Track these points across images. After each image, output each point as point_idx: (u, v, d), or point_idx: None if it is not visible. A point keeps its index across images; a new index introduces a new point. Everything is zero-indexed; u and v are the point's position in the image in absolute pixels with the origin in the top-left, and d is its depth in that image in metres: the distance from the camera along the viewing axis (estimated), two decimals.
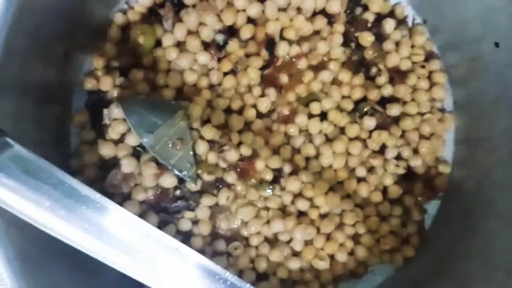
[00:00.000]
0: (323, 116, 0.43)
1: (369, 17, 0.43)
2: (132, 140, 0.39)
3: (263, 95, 0.42)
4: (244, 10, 0.41)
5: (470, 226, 0.40)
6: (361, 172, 0.42)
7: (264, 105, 0.42)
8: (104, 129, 0.40)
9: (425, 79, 0.43)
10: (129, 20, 0.41)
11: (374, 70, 0.43)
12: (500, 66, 0.38)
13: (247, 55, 0.42)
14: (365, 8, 0.43)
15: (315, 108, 0.42)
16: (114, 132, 0.39)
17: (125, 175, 0.39)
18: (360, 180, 0.43)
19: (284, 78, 0.42)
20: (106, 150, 0.39)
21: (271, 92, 0.42)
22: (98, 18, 0.40)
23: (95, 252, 0.24)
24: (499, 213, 0.37)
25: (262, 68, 0.42)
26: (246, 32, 0.41)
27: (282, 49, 0.42)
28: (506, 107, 0.38)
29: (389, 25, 0.42)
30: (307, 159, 0.42)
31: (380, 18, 0.43)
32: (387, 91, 0.43)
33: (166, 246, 0.25)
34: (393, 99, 0.43)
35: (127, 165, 0.38)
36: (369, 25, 0.43)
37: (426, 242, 0.43)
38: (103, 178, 0.39)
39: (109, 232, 0.24)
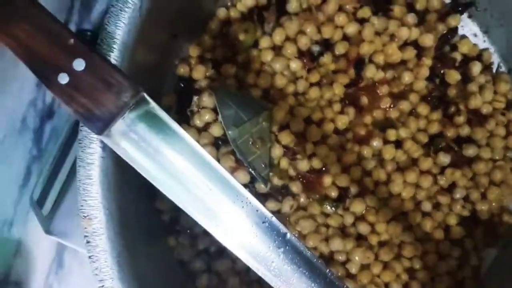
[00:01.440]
0: (398, 144, 0.43)
1: (457, 56, 0.44)
2: (216, 130, 0.40)
3: (342, 112, 0.43)
4: (342, 27, 0.42)
5: None
6: (427, 206, 0.42)
7: (342, 122, 0.42)
8: (190, 115, 0.41)
9: (503, 127, 0.43)
10: (230, 17, 0.42)
11: (453, 109, 0.44)
12: None
13: (335, 71, 0.43)
14: (453, 47, 0.45)
15: (391, 134, 0.43)
16: (200, 120, 0.40)
17: None
18: (424, 214, 0.43)
19: (364, 100, 0.43)
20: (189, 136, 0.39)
21: (351, 110, 0.43)
22: (204, 10, 0.42)
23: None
24: None
25: (346, 86, 0.43)
26: (341, 48, 0.42)
27: (370, 72, 0.43)
28: None
29: (476, 67, 0.44)
30: (376, 183, 0.43)
31: (466, 60, 0.44)
32: (465, 131, 0.43)
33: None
34: (468, 141, 0.43)
35: (208, 153, 0.39)
36: (456, 64, 0.44)
37: None
38: None
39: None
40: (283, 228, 0.26)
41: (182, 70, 0.42)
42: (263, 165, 0.40)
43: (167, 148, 0.25)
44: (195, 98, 0.41)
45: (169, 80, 0.42)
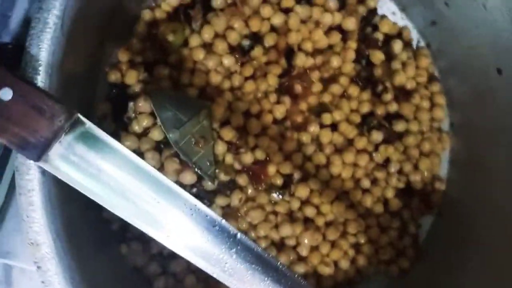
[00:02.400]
0: (333, 127, 0.45)
1: (379, 36, 0.46)
2: (156, 134, 0.40)
3: (278, 102, 0.44)
4: (268, 19, 0.43)
5: (464, 242, 0.43)
6: (366, 183, 0.45)
7: (279, 111, 0.44)
8: (128, 122, 0.40)
9: (427, 99, 0.47)
10: (156, 18, 0.42)
11: (380, 87, 0.46)
12: (501, 94, 0.41)
13: (267, 63, 0.44)
14: (374, 28, 0.47)
15: (326, 118, 0.45)
16: (138, 125, 0.40)
17: None
18: (364, 191, 0.45)
19: (298, 88, 0.44)
20: (129, 143, 0.40)
21: (286, 99, 0.44)
22: (128, 13, 0.41)
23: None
24: (493, 232, 0.40)
25: (279, 76, 0.44)
26: (269, 39, 0.43)
27: (300, 60, 0.44)
28: (505, 136, 0.40)
29: (397, 45, 0.46)
30: (317, 167, 0.45)
31: (388, 38, 0.47)
32: (393, 107, 0.46)
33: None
34: (397, 116, 0.46)
35: (151, 159, 0.39)
36: (379, 44, 0.46)
37: (421, 256, 0.45)
38: None
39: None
40: (233, 230, 0.27)
41: (114, 76, 0.41)
42: (208, 163, 0.41)
43: (108, 166, 0.26)
44: (131, 104, 0.40)
45: (102, 88, 0.41)
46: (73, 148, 0.25)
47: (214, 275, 0.27)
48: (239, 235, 0.27)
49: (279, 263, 0.28)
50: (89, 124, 0.26)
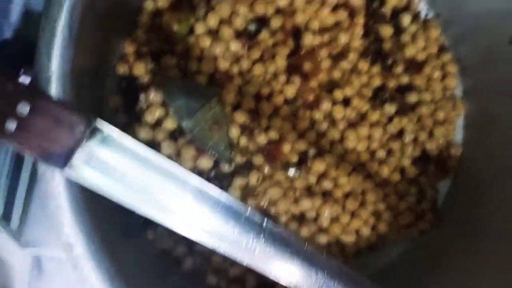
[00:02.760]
0: (346, 102, 0.43)
1: (386, 10, 0.44)
2: (169, 124, 0.38)
3: (288, 82, 0.42)
4: (273, 1, 0.40)
5: (482, 204, 0.41)
6: (381, 154, 0.43)
7: (290, 91, 0.41)
8: (140, 113, 0.39)
9: (439, 70, 0.44)
10: (158, 7, 0.40)
11: (390, 60, 0.44)
12: (506, 59, 0.40)
13: (274, 45, 0.42)
14: (382, 2, 0.44)
15: (338, 94, 0.42)
16: (151, 116, 0.38)
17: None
18: (380, 162, 0.44)
19: (307, 66, 0.42)
20: (144, 134, 0.38)
21: (296, 79, 0.42)
22: (132, 5, 0.40)
23: None
24: (507, 191, 0.39)
25: (287, 57, 0.42)
26: (276, 22, 0.40)
27: (308, 39, 0.41)
28: None
29: (406, 18, 0.43)
30: (331, 142, 0.43)
31: (396, 12, 0.44)
32: (405, 80, 0.43)
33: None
34: (409, 88, 0.44)
35: (168, 148, 0.39)
36: (387, 19, 0.44)
37: (440, 219, 0.44)
38: None
39: None
40: (258, 218, 0.27)
41: (122, 69, 0.39)
42: (223, 147, 0.41)
43: (130, 167, 0.25)
44: (142, 95, 0.39)
45: (112, 82, 0.40)
46: (95, 153, 0.25)
47: (244, 264, 0.27)
48: (265, 223, 0.27)
49: (306, 245, 0.28)
50: (108, 128, 0.26)
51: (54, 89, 0.27)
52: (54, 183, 0.27)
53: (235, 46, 0.40)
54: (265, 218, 0.27)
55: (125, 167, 0.26)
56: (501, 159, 0.42)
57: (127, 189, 0.26)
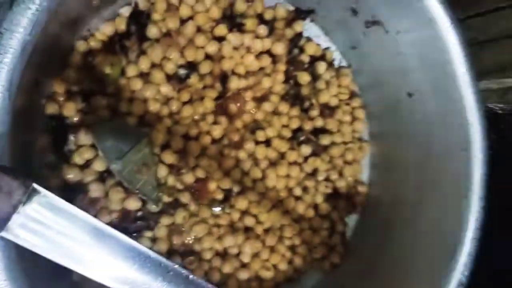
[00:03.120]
0: (267, 143, 0.47)
1: (305, 58, 0.48)
2: (98, 165, 0.38)
3: (215, 122, 0.44)
4: (203, 47, 0.43)
5: (389, 236, 0.46)
6: (298, 191, 0.47)
7: (217, 132, 0.44)
8: (69, 154, 0.39)
9: (349, 114, 0.49)
10: (91, 48, 0.40)
11: (307, 103, 0.48)
12: (410, 109, 0.45)
13: (203, 87, 0.44)
14: (301, 50, 0.48)
15: (260, 135, 0.46)
16: (80, 158, 0.39)
17: (92, 199, 0.40)
18: (297, 198, 0.47)
19: (233, 108, 0.45)
20: (72, 175, 0.38)
21: (223, 119, 0.44)
22: (63, 45, 0.39)
23: None
24: (413, 226, 0.44)
25: (215, 99, 0.44)
26: (205, 67, 0.43)
27: (234, 83, 0.44)
28: (414, 141, 0.45)
29: (321, 67, 0.48)
30: (254, 180, 0.46)
31: (313, 60, 0.48)
32: (319, 123, 0.48)
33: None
34: (323, 130, 0.48)
35: (96, 190, 0.39)
36: (305, 66, 0.48)
37: (349, 251, 0.49)
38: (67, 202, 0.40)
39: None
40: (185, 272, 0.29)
41: (51, 108, 0.38)
42: (151, 188, 0.42)
43: (64, 228, 0.26)
44: (71, 137, 0.38)
45: (39, 120, 0.38)
46: (31, 216, 0.26)
47: None
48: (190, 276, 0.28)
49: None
50: (44, 191, 0.26)
51: None
52: None
53: (166, 89, 0.41)
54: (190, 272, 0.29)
55: (58, 227, 0.27)
56: (400, 194, 0.47)
57: (59, 247, 0.26)
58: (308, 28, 0.49)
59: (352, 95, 0.50)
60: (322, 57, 0.49)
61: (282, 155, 0.47)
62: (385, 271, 0.44)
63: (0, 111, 0.28)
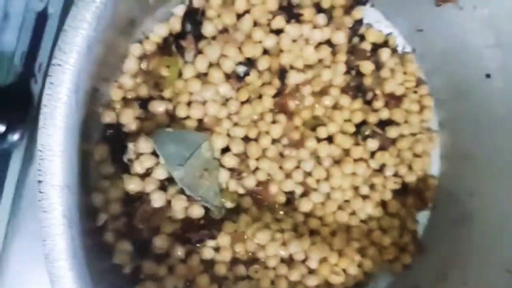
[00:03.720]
0: (329, 140, 0.44)
1: (366, 46, 0.45)
2: (159, 173, 0.37)
3: (274, 121, 0.43)
4: (260, 42, 0.41)
5: (463, 232, 0.43)
6: (365, 190, 0.45)
7: (276, 131, 0.42)
8: (129, 164, 0.38)
9: (416, 103, 0.46)
10: (146, 51, 0.39)
11: (370, 94, 0.45)
12: (486, 91, 0.42)
13: (261, 85, 0.42)
14: (361, 38, 0.46)
15: (322, 132, 0.44)
16: (141, 167, 0.37)
17: (155, 210, 0.38)
18: (364, 197, 0.45)
19: (292, 104, 0.43)
20: (133, 185, 0.37)
21: (282, 118, 0.42)
22: (119, 50, 0.38)
23: None
24: (489, 219, 0.42)
25: (273, 96, 0.43)
26: (263, 63, 0.41)
27: (293, 78, 0.42)
28: (489, 126, 0.43)
29: (385, 54, 0.45)
30: (317, 181, 0.44)
31: (375, 47, 0.46)
32: (385, 114, 0.45)
33: None
34: (389, 122, 0.46)
35: (158, 199, 0.38)
36: (367, 54, 0.45)
37: (422, 250, 0.46)
38: (128, 213, 0.39)
39: None
40: None
41: (109, 117, 0.37)
42: (213, 194, 0.40)
43: None
44: (131, 145, 0.37)
45: (95, 130, 0.38)
46: None
47: None
48: None
49: None
50: None
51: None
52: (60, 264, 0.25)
53: (225, 89, 0.40)
54: None
55: None
56: (475, 185, 0.45)
57: None
58: (368, 14, 0.46)
59: (419, 82, 0.47)
60: (385, 44, 0.46)
61: (346, 152, 0.45)
62: (462, 269, 0.42)
63: (68, 116, 0.25)
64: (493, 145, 0.43)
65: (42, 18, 0.38)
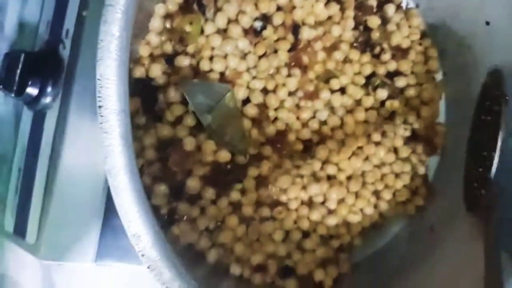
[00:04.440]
0: (342, 91, 0.49)
1: (373, 2, 0.49)
2: (189, 120, 0.42)
3: (289, 75, 0.47)
4: None
5: None
6: (376, 137, 0.49)
7: (292, 84, 0.46)
8: (160, 113, 0.42)
9: (422, 54, 0.50)
10: (169, 11, 0.43)
11: (377, 48, 0.50)
12: (488, 41, 0.46)
13: (276, 40, 0.46)
14: None
15: (335, 84, 0.48)
16: (172, 115, 0.42)
17: (187, 153, 0.43)
18: (376, 144, 0.49)
19: (306, 59, 0.47)
20: (166, 132, 0.41)
21: (297, 71, 0.47)
22: (145, 10, 0.42)
23: None
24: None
25: (288, 51, 0.47)
26: (278, 18, 0.45)
27: (306, 33, 0.46)
28: None
29: (390, 9, 0.49)
30: (332, 128, 0.48)
31: (380, 3, 0.50)
32: (392, 66, 0.49)
33: None
34: (397, 73, 0.50)
35: (189, 144, 0.42)
36: (374, 10, 0.49)
37: (432, 193, 0.51)
38: (163, 158, 0.43)
39: None
40: None
41: (139, 72, 0.41)
42: (238, 140, 0.45)
43: None
44: (161, 95, 0.42)
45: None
46: None
47: None
48: None
49: None
50: None
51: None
52: (120, 179, 0.30)
53: (243, 43, 0.44)
54: None
55: None
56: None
57: None
58: None
59: (423, 35, 0.51)
60: (390, 0, 0.50)
61: (358, 102, 0.49)
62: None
63: (122, 50, 0.30)
64: None
65: None
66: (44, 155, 0.42)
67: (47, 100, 0.42)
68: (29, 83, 0.41)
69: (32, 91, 0.42)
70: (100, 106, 0.28)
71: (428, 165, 0.52)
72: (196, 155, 0.43)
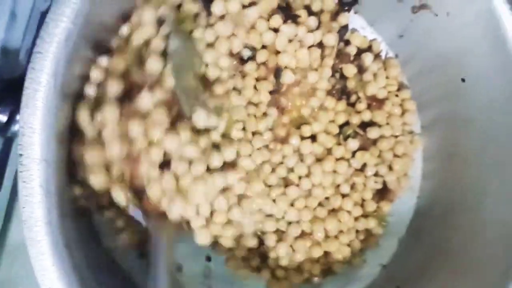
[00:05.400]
0: (313, 138, 0.48)
1: (352, 50, 0.49)
2: None
3: (265, 113, 0.47)
4: (261, 34, 0.45)
5: (447, 225, 0.47)
6: (345, 189, 0.49)
7: (267, 124, 0.47)
8: None
9: (398, 106, 0.50)
10: None
11: (354, 97, 0.50)
12: (467, 96, 0.45)
13: (257, 79, 0.47)
14: (347, 42, 0.50)
15: (306, 131, 0.48)
16: None
17: None
18: (344, 196, 0.49)
19: (285, 102, 0.48)
20: None
21: (274, 112, 0.47)
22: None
23: None
24: (475, 217, 0.45)
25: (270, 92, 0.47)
26: (262, 56, 0.46)
27: (288, 78, 0.47)
28: (473, 128, 0.46)
29: (368, 58, 0.49)
30: (299, 177, 0.48)
31: (359, 52, 0.50)
32: (367, 116, 0.49)
33: None
34: (371, 124, 0.50)
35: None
36: (351, 58, 0.50)
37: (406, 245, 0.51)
38: None
39: None
40: None
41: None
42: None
43: None
44: None
45: None
46: None
47: None
48: None
49: None
50: None
51: None
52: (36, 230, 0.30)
53: (224, 62, 0.45)
54: None
55: None
56: (457, 192, 0.48)
57: None
58: (352, 20, 0.51)
59: (401, 86, 0.51)
60: (369, 49, 0.50)
61: (328, 151, 0.49)
62: (448, 261, 0.46)
63: (47, 98, 0.30)
64: (470, 146, 0.47)
65: (45, 17, 0.42)
66: (9, 180, 0.44)
67: (16, 127, 0.42)
68: None
69: (1, 117, 0.42)
70: (20, 154, 0.28)
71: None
72: None
